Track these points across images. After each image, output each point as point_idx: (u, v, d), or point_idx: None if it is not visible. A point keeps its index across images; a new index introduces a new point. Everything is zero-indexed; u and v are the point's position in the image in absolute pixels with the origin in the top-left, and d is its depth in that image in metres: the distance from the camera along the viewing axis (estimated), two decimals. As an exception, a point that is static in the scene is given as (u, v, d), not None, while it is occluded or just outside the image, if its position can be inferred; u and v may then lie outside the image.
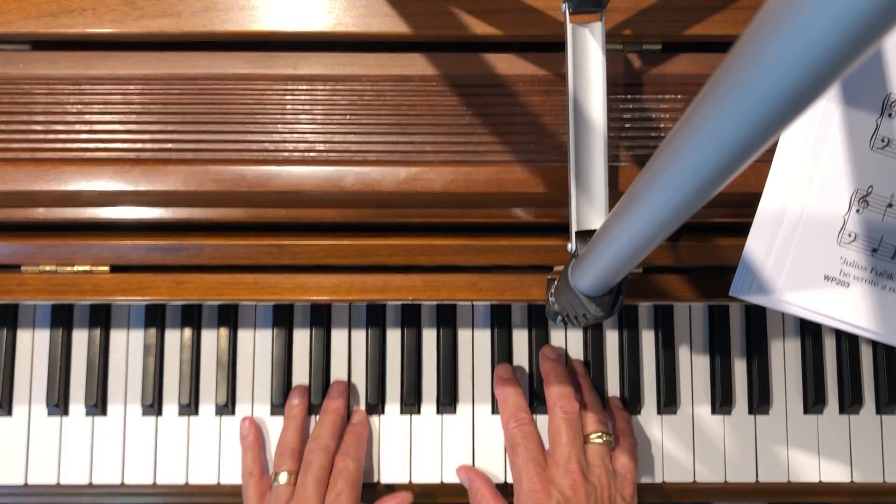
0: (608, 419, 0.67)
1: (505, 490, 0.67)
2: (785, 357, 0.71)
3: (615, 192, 0.54)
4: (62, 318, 0.70)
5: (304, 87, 0.57)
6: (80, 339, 0.70)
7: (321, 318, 0.70)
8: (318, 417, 0.68)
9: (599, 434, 0.64)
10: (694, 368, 0.71)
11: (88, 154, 0.56)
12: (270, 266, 0.60)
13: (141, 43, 0.57)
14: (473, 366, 0.70)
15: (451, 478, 0.69)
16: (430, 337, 0.71)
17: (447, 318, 0.71)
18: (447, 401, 0.69)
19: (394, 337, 0.71)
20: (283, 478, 0.64)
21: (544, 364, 0.68)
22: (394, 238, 0.59)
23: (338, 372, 0.70)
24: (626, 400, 0.70)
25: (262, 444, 0.69)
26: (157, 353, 0.70)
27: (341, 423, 0.67)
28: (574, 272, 0.46)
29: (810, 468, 0.70)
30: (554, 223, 0.58)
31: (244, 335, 0.71)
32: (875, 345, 0.71)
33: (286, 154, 0.56)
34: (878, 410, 0.70)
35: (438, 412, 0.70)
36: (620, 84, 0.57)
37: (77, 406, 0.69)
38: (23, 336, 0.70)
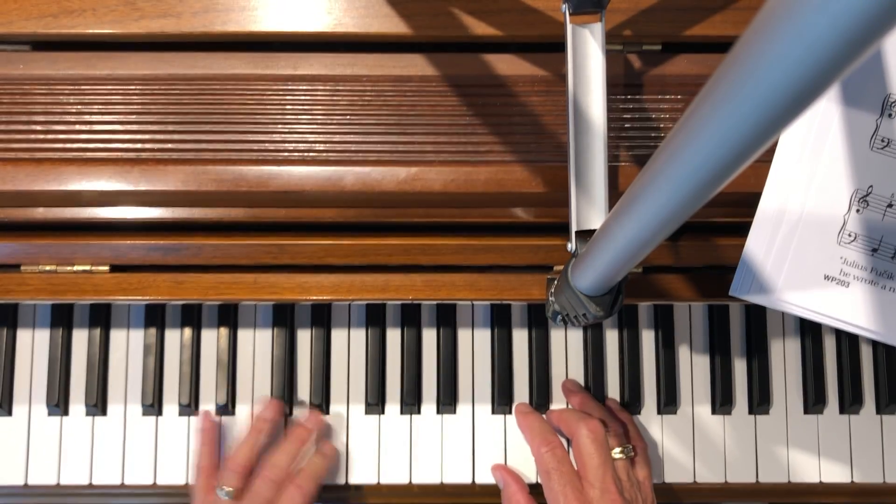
0: (618, 423, 0.67)
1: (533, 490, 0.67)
2: (785, 357, 0.71)
3: (615, 192, 0.54)
4: (62, 318, 0.70)
5: (305, 88, 0.57)
6: (80, 338, 0.70)
7: (321, 317, 0.70)
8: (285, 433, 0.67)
9: (621, 449, 0.64)
10: (694, 368, 0.71)
11: (88, 154, 0.56)
12: (270, 266, 0.60)
13: (141, 43, 0.57)
14: (473, 366, 0.70)
15: (452, 478, 0.69)
16: (430, 337, 0.71)
17: (447, 318, 0.71)
18: (447, 401, 0.69)
19: (394, 337, 0.71)
20: (226, 491, 0.63)
21: (565, 394, 0.70)
22: (394, 238, 0.59)
23: (338, 371, 0.70)
24: (626, 400, 0.70)
25: (221, 441, 0.68)
26: (157, 353, 0.70)
27: (301, 456, 0.66)
28: (574, 272, 0.46)
29: (810, 468, 0.70)
30: (554, 223, 0.58)
31: (244, 335, 0.71)
32: (875, 345, 0.71)
33: (286, 154, 0.56)
34: (879, 410, 0.70)
35: (438, 412, 0.70)
36: (620, 84, 0.57)
37: (77, 406, 0.69)
38: (23, 336, 0.70)
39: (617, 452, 0.63)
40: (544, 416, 0.69)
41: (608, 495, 0.59)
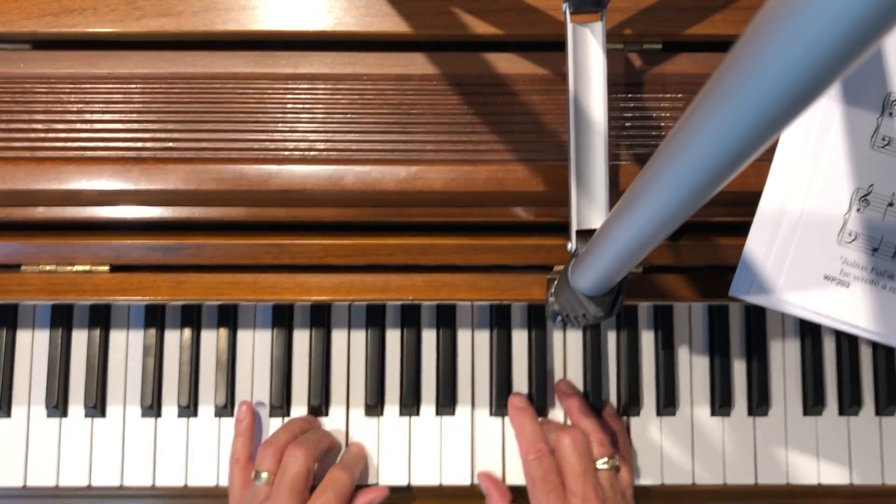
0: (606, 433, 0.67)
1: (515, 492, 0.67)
2: (785, 358, 0.71)
3: (615, 192, 0.54)
4: (62, 318, 0.70)
5: (305, 87, 0.57)
6: (80, 339, 0.70)
7: (321, 318, 0.70)
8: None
9: (606, 459, 0.63)
10: (693, 369, 0.71)
11: (89, 153, 0.56)
12: (270, 266, 0.60)
13: (142, 42, 0.57)
14: (473, 367, 0.70)
15: (451, 479, 0.69)
16: (429, 337, 0.71)
17: (447, 319, 0.70)
18: (446, 402, 0.69)
19: (393, 337, 0.71)
20: (263, 477, 0.63)
21: (558, 396, 0.69)
22: (394, 237, 0.59)
23: (337, 372, 0.70)
24: (625, 401, 0.70)
25: (256, 432, 0.68)
26: (156, 354, 0.70)
27: (328, 447, 0.67)
28: (574, 272, 0.46)
29: (809, 470, 0.70)
30: (554, 222, 0.58)
31: (244, 335, 0.70)
32: (875, 345, 0.71)
33: (287, 153, 0.56)
34: (878, 412, 0.70)
35: (437, 414, 0.70)
36: (621, 83, 0.57)
37: (76, 407, 0.69)
38: (22, 336, 0.70)
39: (601, 463, 0.63)
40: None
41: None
